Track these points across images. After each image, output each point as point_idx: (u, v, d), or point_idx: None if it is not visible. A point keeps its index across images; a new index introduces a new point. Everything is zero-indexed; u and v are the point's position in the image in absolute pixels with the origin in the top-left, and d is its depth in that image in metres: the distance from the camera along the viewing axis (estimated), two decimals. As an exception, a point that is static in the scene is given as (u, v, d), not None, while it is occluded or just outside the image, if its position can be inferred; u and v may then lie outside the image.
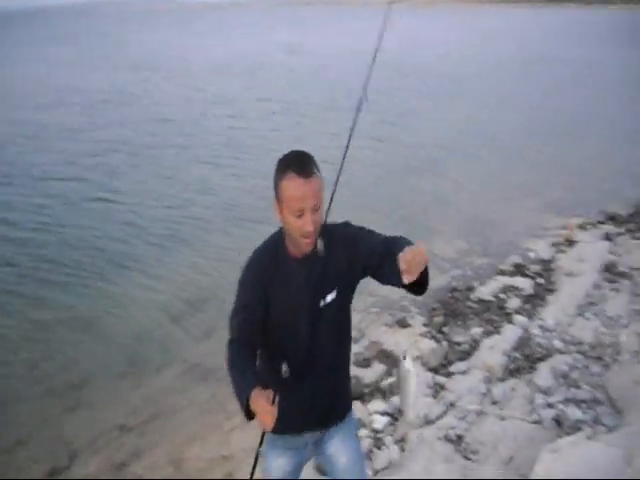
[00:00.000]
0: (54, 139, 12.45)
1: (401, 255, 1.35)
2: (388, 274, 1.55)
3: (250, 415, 1.45)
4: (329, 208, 1.92)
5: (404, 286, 1.49)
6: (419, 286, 1.50)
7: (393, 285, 1.57)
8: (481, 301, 5.16)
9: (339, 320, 1.79)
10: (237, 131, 13.04)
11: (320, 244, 1.68)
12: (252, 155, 10.99)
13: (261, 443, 1.90)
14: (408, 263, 1.34)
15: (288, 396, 1.69)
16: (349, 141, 2.08)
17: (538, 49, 27.24)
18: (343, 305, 1.78)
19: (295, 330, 1.72)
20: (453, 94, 17.32)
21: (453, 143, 11.95)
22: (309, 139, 11.34)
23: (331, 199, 1.95)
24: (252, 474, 1.89)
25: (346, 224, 1.74)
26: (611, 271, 5.16)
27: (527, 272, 5.72)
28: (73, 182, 9.43)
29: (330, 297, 1.72)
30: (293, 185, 1.54)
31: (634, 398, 3.00)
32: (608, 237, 6.36)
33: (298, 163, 1.55)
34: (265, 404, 1.40)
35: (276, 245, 1.72)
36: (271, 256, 1.70)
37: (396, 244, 1.54)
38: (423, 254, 1.34)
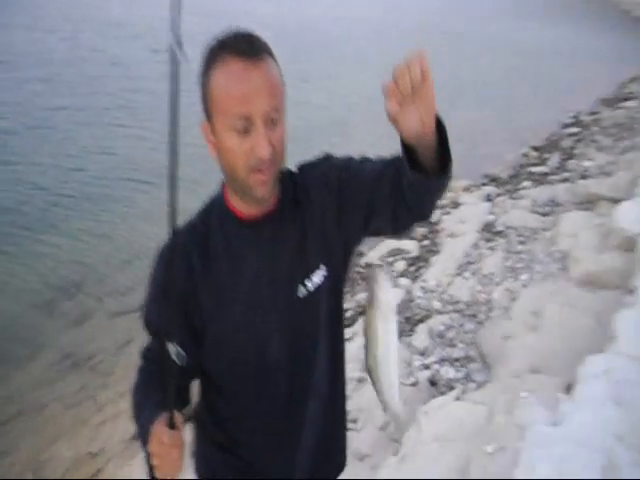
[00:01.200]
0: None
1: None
2: (392, 190, 0.98)
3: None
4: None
5: (418, 170, 0.91)
6: (438, 159, 0.91)
7: (400, 199, 0.97)
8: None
9: (332, 317, 1.13)
10: (138, 93, 12.24)
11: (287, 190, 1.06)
12: (154, 116, 10.38)
13: None
14: (396, 78, 0.82)
15: (259, 451, 1.17)
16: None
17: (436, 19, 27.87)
18: (335, 291, 1.13)
19: (259, 343, 1.07)
20: (365, 57, 17.32)
21: (360, 105, 11.94)
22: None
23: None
24: None
25: (326, 158, 1.12)
26: (489, 230, 5.37)
27: (414, 235, 5.83)
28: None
29: (316, 278, 1.07)
30: (229, 72, 0.92)
31: (501, 353, 3.11)
32: (489, 198, 6.65)
33: (238, 41, 0.94)
34: (160, 435, 0.93)
35: (212, 210, 1.08)
36: (201, 232, 1.06)
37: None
38: (421, 63, 0.81)
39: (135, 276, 5.20)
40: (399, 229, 1.06)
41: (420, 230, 5.99)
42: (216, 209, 1.08)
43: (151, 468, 0.97)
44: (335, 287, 1.12)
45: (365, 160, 1.08)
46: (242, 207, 1.05)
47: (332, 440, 1.29)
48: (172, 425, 0.95)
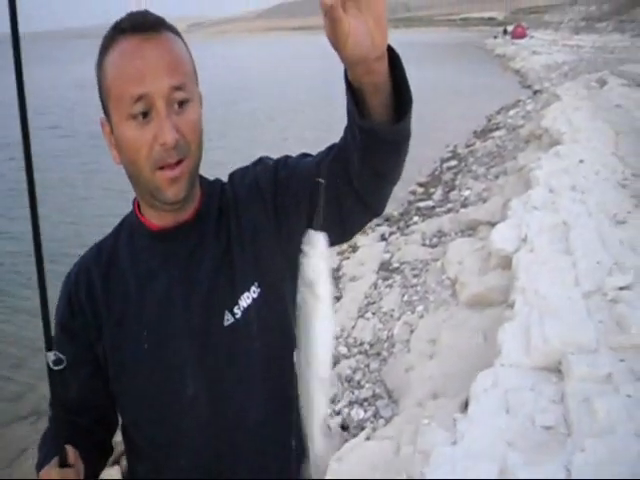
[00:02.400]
0: None
1: None
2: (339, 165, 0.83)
3: None
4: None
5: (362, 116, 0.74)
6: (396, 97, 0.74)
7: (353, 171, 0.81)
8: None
9: (272, 348, 0.92)
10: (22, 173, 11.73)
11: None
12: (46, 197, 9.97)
13: None
14: None
15: None
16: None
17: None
18: (275, 313, 0.92)
19: (169, 381, 0.90)
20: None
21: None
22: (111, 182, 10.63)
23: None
24: None
25: (259, 161, 0.97)
26: (386, 269, 5.64)
27: (318, 285, 5.98)
28: None
29: (245, 301, 0.89)
30: (120, 52, 0.81)
31: (405, 386, 3.25)
32: (383, 238, 6.99)
33: (131, 19, 0.83)
34: (47, 475, 0.80)
35: (122, 226, 0.96)
36: (108, 250, 0.94)
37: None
38: None
39: (25, 379, 4.83)
40: (347, 228, 0.88)
41: (324, 278, 6.15)
42: (127, 224, 0.96)
43: None
44: (275, 309, 0.92)
45: (305, 155, 0.94)
46: (154, 217, 0.91)
47: None
48: (63, 463, 0.80)
